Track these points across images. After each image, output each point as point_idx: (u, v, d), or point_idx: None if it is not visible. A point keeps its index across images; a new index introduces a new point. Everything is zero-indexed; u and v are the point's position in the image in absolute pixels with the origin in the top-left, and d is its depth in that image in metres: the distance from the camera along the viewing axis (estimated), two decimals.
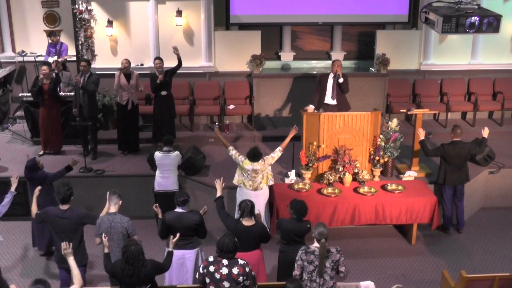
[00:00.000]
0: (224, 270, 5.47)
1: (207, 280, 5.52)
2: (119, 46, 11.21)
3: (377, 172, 8.92)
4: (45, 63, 10.02)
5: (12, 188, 7.05)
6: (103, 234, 6.14)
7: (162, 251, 7.16)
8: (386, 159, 8.91)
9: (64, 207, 6.48)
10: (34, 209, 6.71)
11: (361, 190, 8.44)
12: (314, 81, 10.55)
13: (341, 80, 9.59)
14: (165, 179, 8.41)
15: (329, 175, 8.62)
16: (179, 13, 10.99)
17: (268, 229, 8.35)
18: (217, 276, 5.47)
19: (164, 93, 9.83)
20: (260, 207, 8.21)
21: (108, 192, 6.68)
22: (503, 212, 9.59)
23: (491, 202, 9.78)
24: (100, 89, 10.67)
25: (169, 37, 11.19)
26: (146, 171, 9.35)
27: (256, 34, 11.36)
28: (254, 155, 7.91)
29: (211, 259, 5.57)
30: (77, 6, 10.88)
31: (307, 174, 8.78)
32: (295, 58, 11.86)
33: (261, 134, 10.91)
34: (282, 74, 11.28)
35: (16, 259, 8.22)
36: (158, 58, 9.87)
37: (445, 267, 7.91)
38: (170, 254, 5.96)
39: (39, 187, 7.03)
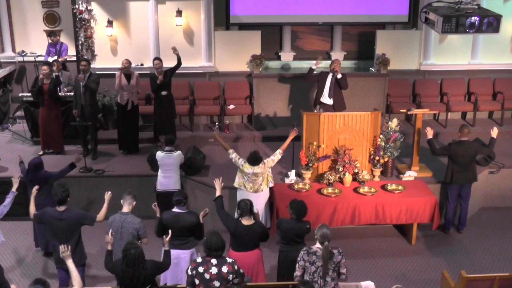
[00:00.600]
0: (214, 270, 5.46)
1: (197, 282, 5.48)
2: (119, 46, 11.21)
3: (377, 172, 8.92)
4: (46, 63, 10.03)
5: (14, 188, 7.06)
6: (110, 230, 6.15)
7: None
8: (386, 159, 8.91)
9: (61, 208, 6.47)
10: (32, 209, 6.71)
11: (361, 190, 8.44)
12: (314, 81, 10.57)
13: (339, 75, 9.64)
14: (167, 178, 8.40)
15: (329, 175, 8.63)
16: (179, 13, 10.99)
17: (268, 229, 8.41)
18: (207, 276, 5.45)
19: (164, 93, 9.83)
20: (260, 208, 8.22)
21: (107, 192, 6.70)
22: (503, 212, 9.59)
23: (491, 202, 9.78)
24: (100, 89, 10.68)
25: (169, 37, 11.20)
26: (146, 171, 9.36)
27: (256, 34, 11.36)
28: (254, 160, 7.93)
29: (199, 260, 5.56)
30: (77, 6, 10.89)
31: (307, 174, 8.78)
32: (295, 58, 11.86)
33: (261, 134, 10.91)
34: (282, 74, 11.29)
35: (16, 259, 8.21)
36: (157, 58, 9.89)
37: (445, 267, 7.91)
38: (168, 253, 5.97)
39: (36, 187, 7.03)
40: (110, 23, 10.96)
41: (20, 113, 11.18)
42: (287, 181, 8.89)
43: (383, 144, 8.80)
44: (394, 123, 8.90)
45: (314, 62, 10.13)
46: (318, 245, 5.82)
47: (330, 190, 8.47)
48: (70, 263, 5.55)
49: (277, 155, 8.13)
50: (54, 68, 10.19)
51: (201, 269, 5.47)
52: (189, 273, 5.52)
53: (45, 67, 9.54)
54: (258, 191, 8.08)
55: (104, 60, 11.19)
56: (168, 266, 5.92)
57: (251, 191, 8.06)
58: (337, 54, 11.81)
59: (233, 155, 8.12)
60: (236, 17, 11.30)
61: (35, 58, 11.58)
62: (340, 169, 8.66)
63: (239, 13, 11.28)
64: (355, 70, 11.68)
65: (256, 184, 8.05)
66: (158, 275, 5.86)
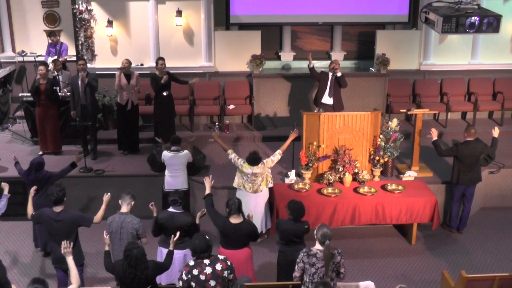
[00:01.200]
0: (208, 270, 5.46)
1: (193, 285, 5.46)
2: (119, 46, 11.21)
3: (377, 172, 8.92)
4: (42, 63, 10.02)
5: (5, 192, 7.02)
6: (105, 232, 6.16)
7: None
8: (386, 159, 8.91)
9: (58, 209, 6.46)
10: (30, 209, 6.72)
11: (361, 190, 8.44)
12: (314, 81, 10.57)
13: (339, 74, 9.66)
14: (175, 178, 8.39)
15: (329, 175, 8.62)
16: (179, 13, 10.99)
17: (267, 229, 8.41)
18: (202, 277, 5.44)
19: (165, 93, 9.84)
20: (260, 208, 8.24)
21: (105, 194, 6.71)
22: (503, 212, 9.59)
23: (491, 202, 9.78)
24: (100, 89, 10.69)
25: (169, 37, 11.20)
26: (146, 171, 9.36)
27: (256, 34, 11.36)
28: (254, 160, 7.94)
29: (192, 263, 5.55)
30: (77, 6, 10.90)
31: (307, 174, 8.78)
32: (295, 58, 11.86)
33: (261, 134, 10.91)
34: (282, 74, 11.28)
35: (16, 259, 8.21)
36: (162, 58, 9.87)
37: (445, 267, 7.91)
38: (171, 253, 5.98)
39: (34, 187, 7.03)
40: (110, 23, 10.96)
41: (20, 113, 11.18)
42: (287, 181, 8.89)
43: (383, 144, 8.79)
44: (394, 123, 8.90)
45: (314, 62, 10.13)
46: (318, 246, 5.81)
47: (330, 190, 8.47)
48: (70, 260, 5.56)
49: (277, 155, 8.13)
50: (51, 68, 10.18)
51: (195, 272, 5.47)
52: (184, 277, 5.47)
53: (41, 67, 9.53)
54: (257, 192, 8.09)
55: (104, 60, 11.20)
56: (168, 266, 5.93)
57: (250, 191, 8.07)
58: (337, 54, 11.81)
59: (232, 156, 8.13)
60: (236, 17, 11.30)
61: (35, 58, 11.58)
62: (340, 169, 8.66)
63: (239, 13, 11.28)
64: (355, 70, 11.68)
65: (256, 184, 8.06)
66: (159, 275, 5.87)
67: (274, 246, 8.06)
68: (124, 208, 6.57)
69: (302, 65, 11.69)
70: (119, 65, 9.89)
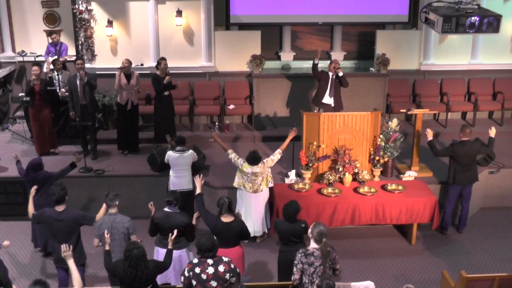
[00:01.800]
0: (210, 270, 5.46)
1: (194, 283, 5.47)
2: (119, 46, 11.21)
3: (377, 172, 8.92)
4: (36, 63, 10.01)
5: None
6: (105, 230, 6.16)
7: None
8: (386, 159, 8.91)
9: (59, 208, 6.46)
10: (30, 209, 6.71)
11: (361, 190, 8.44)
12: (314, 81, 10.57)
13: (340, 73, 9.65)
14: (180, 178, 8.37)
15: (329, 175, 8.62)
16: (179, 13, 10.99)
17: (268, 229, 8.41)
18: (204, 276, 5.45)
19: (166, 93, 9.85)
20: (260, 208, 8.24)
21: (107, 192, 6.71)
22: (503, 212, 9.59)
23: (491, 202, 9.78)
24: (100, 89, 10.70)
25: (169, 37, 11.20)
26: (146, 171, 9.36)
27: (256, 34, 11.36)
28: (254, 159, 7.94)
29: (195, 261, 5.56)
30: (77, 6, 10.90)
31: (307, 174, 8.78)
32: (295, 58, 11.86)
33: (261, 134, 10.91)
34: (282, 74, 11.28)
35: (16, 259, 8.21)
36: (164, 59, 9.86)
37: (445, 267, 7.91)
38: (170, 252, 5.98)
39: (35, 187, 7.03)
40: (110, 23, 10.96)
41: (20, 113, 11.17)
42: (287, 181, 8.89)
43: (383, 144, 8.79)
44: (394, 123, 8.90)
45: (314, 58, 10.12)
46: (313, 245, 5.80)
47: (330, 190, 8.47)
48: (71, 263, 5.56)
49: (277, 155, 8.14)
50: (46, 69, 10.17)
51: (197, 270, 5.48)
52: (186, 274, 5.50)
53: (35, 68, 9.52)
54: (257, 191, 8.09)
55: (104, 60, 11.20)
56: (169, 265, 5.93)
57: (250, 191, 8.07)
58: (337, 54, 11.81)
59: (232, 155, 8.13)
60: (236, 17, 11.30)
61: (35, 58, 11.57)
62: (340, 169, 8.66)
63: (239, 13, 11.28)
64: (355, 70, 11.68)
65: (256, 184, 8.06)
66: (159, 274, 5.87)
67: (274, 246, 8.06)
68: (113, 209, 6.55)
69: (302, 65, 11.70)
70: (119, 65, 9.89)
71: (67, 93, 10.27)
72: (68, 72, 10.79)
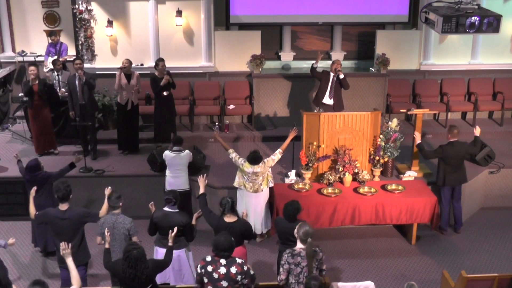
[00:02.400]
0: (222, 270, 5.47)
1: (205, 280, 5.52)
2: (119, 46, 11.21)
3: (377, 172, 8.92)
4: (33, 63, 10.01)
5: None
6: (106, 229, 6.16)
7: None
8: (386, 159, 8.91)
9: (63, 207, 6.46)
10: (32, 210, 6.70)
11: (361, 190, 8.44)
12: (314, 81, 10.57)
13: (342, 76, 9.64)
14: (176, 178, 8.38)
15: (329, 175, 8.62)
16: (179, 13, 10.99)
17: (268, 229, 8.41)
18: (215, 275, 5.47)
19: (166, 93, 9.85)
20: (260, 208, 8.24)
21: (107, 188, 6.72)
22: (503, 212, 9.59)
23: (491, 202, 9.78)
24: (100, 89, 10.70)
25: (169, 37, 11.20)
26: (146, 171, 9.36)
27: (256, 34, 11.36)
28: (254, 159, 7.94)
29: (208, 258, 5.57)
30: (77, 6, 10.90)
31: (307, 174, 8.78)
32: (295, 58, 11.86)
33: (261, 134, 10.91)
34: (282, 74, 11.28)
35: (15, 259, 8.21)
36: (162, 60, 9.87)
37: (445, 267, 7.90)
38: (171, 249, 5.98)
39: (35, 187, 7.02)
40: (110, 23, 10.96)
41: (20, 113, 11.17)
42: (287, 181, 8.89)
43: (383, 144, 8.79)
44: (394, 123, 8.90)
45: (314, 61, 10.13)
46: (300, 245, 5.80)
47: (330, 190, 8.47)
48: (69, 262, 5.56)
49: (277, 154, 8.14)
50: (45, 69, 10.17)
51: (209, 268, 5.49)
52: (198, 271, 5.55)
53: (32, 68, 9.51)
54: (258, 191, 8.09)
55: (104, 60, 11.20)
56: (168, 263, 5.92)
57: (251, 191, 8.07)
58: (337, 54, 11.81)
59: (233, 155, 8.14)
60: (236, 17, 11.30)
61: (35, 58, 11.57)
62: (340, 169, 8.66)
63: (239, 13, 11.28)
64: (355, 70, 11.68)
65: (256, 184, 8.06)
66: (159, 273, 5.87)
67: (274, 246, 8.06)
68: (116, 210, 6.56)
69: (302, 65, 11.70)
70: (119, 65, 9.89)
71: (66, 93, 10.30)
72: (68, 72, 10.79)
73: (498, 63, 11.65)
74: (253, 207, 8.18)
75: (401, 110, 9.63)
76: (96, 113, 10.27)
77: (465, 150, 8.58)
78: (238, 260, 5.57)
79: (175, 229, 6.14)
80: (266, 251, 8.24)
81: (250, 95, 11.25)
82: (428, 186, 8.80)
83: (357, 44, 12.03)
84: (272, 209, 8.36)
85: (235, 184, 8.23)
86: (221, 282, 5.46)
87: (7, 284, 5.52)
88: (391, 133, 8.84)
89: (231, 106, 11.07)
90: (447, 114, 11.25)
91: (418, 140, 8.78)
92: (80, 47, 11.10)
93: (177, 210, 6.73)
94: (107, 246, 5.99)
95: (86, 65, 10.87)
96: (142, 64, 11.23)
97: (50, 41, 11.51)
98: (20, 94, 10.68)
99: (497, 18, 7.46)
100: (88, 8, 10.91)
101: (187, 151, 8.40)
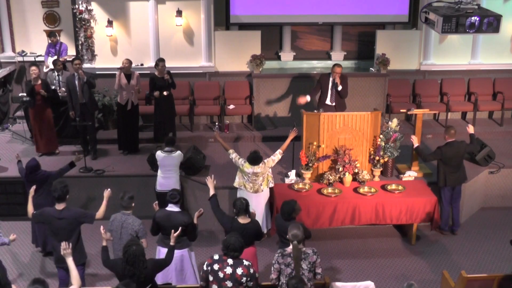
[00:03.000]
0: (228, 270, 5.48)
1: (210, 278, 5.52)
2: (119, 46, 11.21)
3: (377, 172, 8.92)
4: (34, 63, 10.01)
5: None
6: (102, 226, 6.17)
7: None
8: (386, 159, 8.91)
9: (60, 206, 6.46)
10: (30, 209, 6.71)
11: (361, 190, 8.44)
12: (314, 81, 10.56)
13: (339, 88, 9.62)
14: (167, 179, 8.39)
15: (329, 175, 8.62)
16: (179, 13, 10.99)
17: (268, 229, 8.41)
18: (221, 275, 5.47)
19: (166, 93, 9.85)
20: (261, 208, 8.24)
21: (106, 190, 6.73)
22: (503, 212, 9.58)
23: (491, 202, 9.78)
24: (100, 89, 10.70)
25: (169, 37, 11.20)
26: (146, 171, 9.36)
27: (256, 34, 11.36)
28: (254, 159, 7.94)
29: (216, 257, 5.58)
30: (77, 6, 10.90)
31: (307, 174, 8.78)
32: (295, 58, 11.86)
33: (261, 134, 10.91)
34: (282, 74, 11.28)
35: (15, 259, 8.22)
36: (162, 60, 9.88)
37: (445, 267, 7.91)
38: (172, 249, 5.99)
39: (34, 187, 7.03)
40: (110, 23, 10.96)
41: (20, 113, 11.18)
42: (287, 181, 8.89)
43: (383, 144, 8.79)
44: (394, 123, 8.89)
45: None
46: (291, 246, 5.80)
47: (330, 190, 8.47)
48: (70, 261, 5.56)
49: (277, 155, 8.14)
50: (45, 69, 10.17)
51: (216, 267, 5.50)
52: (205, 268, 5.56)
53: (33, 68, 9.51)
54: (258, 191, 8.10)
55: (104, 60, 11.20)
56: (169, 262, 5.93)
57: (251, 191, 8.07)
58: (337, 54, 11.81)
59: (233, 155, 8.14)
60: (236, 17, 11.30)
61: (35, 58, 11.58)
62: (340, 169, 8.66)
63: (239, 13, 11.28)
64: (355, 70, 11.68)
65: (256, 184, 8.06)
66: (159, 272, 5.87)
67: (274, 246, 8.04)
68: (127, 210, 6.57)
69: (302, 65, 11.70)
70: (119, 65, 9.89)
71: (66, 93, 10.30)
72: (68, 72, 10.79)
73: (498, 63, 11.65)
74: (253, 207, 8.14)
75: (401, 110, 9.63)
76: (96, 113, 10.27)
77: (464, 149, 8.58)
78: (246, 262, 5.56)
79: (180, 229, 6.13)
80: (266, 251, 8.24)
81: (250, 95, 11.24)
82: (428, 186, 8.79)
83: (357, 44, 12.03)
84: (273, 209, 8.36)
85: (235, 184, 8.23)
86: (226, 282, 5.47)
87: (6, 284, 5.51)
88: (391, 133, 8.84)
89: (231, 106, 11.07)
90: (447, 114, 11.24)
91: (415, 143, 8.78)
92: (80, 47, 11.10)
93: (179, 210, 6.73)
94: (104, 243, 5.99)
95: (86, 65, 10.90)
96: (142, 64, 11.23)
97: (50, 41, 11.52)
98: (20, 94, 10.69)
99: (497, 18, 7.47)
100: (88, 8, 10.91)
101: (178, 152, 8.41)
